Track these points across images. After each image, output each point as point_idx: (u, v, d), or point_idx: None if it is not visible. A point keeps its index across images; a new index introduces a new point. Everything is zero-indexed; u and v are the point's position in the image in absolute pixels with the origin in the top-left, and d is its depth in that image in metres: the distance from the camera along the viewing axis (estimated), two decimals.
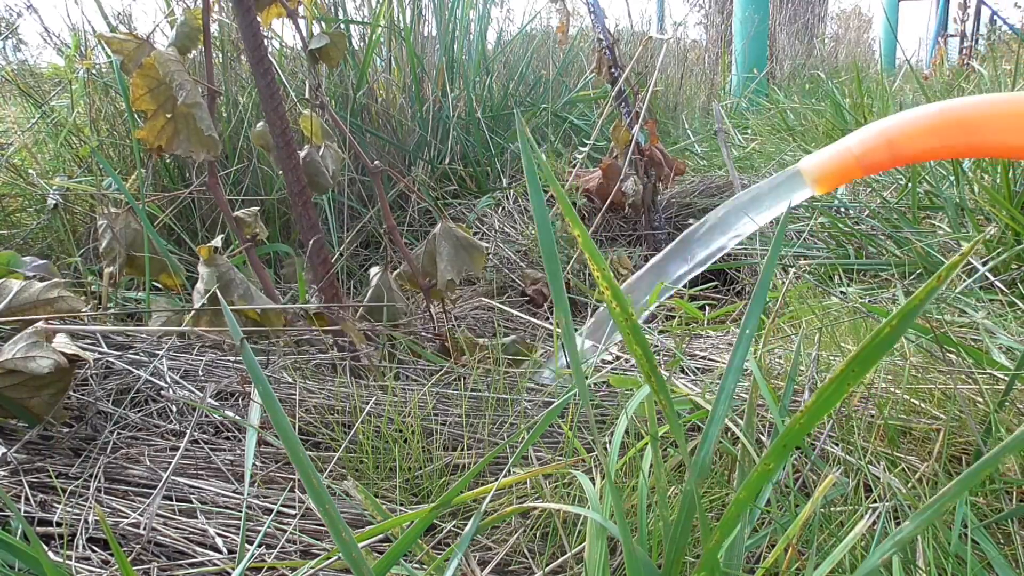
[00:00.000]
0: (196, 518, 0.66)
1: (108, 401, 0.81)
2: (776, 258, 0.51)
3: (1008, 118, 0.28)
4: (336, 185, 1.67)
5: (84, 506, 0.66)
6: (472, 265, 1.03)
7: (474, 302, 1.41)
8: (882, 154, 0.34)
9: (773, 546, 0.59)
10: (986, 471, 0.36)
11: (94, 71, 1.63)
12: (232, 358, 0.94)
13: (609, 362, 1.02)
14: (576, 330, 0.98)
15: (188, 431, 0.77)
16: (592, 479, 0.66)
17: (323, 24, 1.78)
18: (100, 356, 0.87)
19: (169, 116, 0.93)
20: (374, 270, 1.11)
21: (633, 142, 1.66)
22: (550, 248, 0.47)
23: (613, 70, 1.67)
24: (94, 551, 0.61)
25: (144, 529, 0.63)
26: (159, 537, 0.63)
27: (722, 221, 0.55)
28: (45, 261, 1.04)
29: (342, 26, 1.89)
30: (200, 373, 0.89)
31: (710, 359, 1.00)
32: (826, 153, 0.36)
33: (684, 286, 1.42)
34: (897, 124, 0.33)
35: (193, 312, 0.97)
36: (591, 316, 1.13)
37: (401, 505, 0.70)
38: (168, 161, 1.60)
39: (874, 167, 0.35)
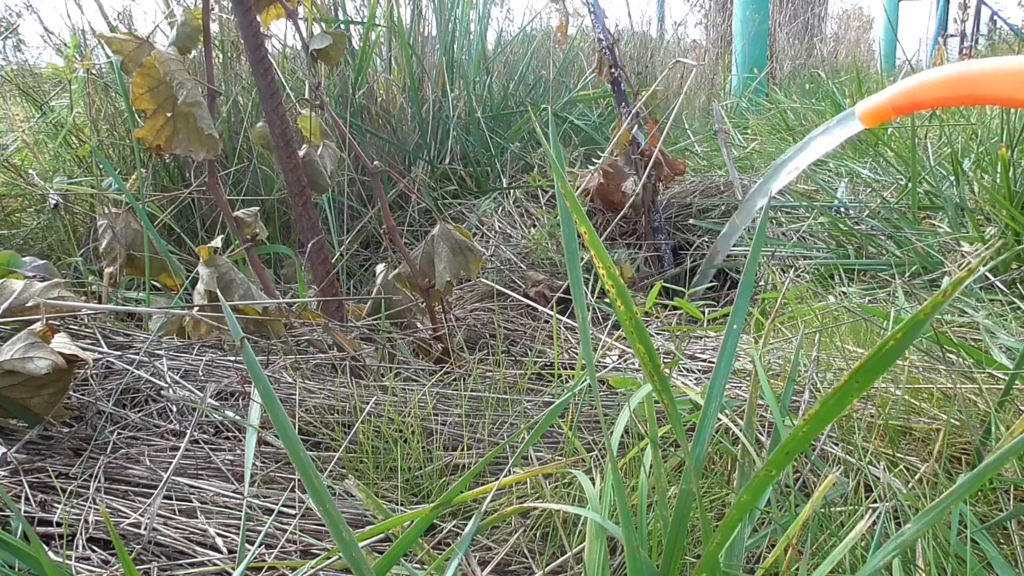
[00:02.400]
0: (196, 518, 0.66)
1: (108, 401, 0.81)
2: (758, 255, 0.51)
3: (1005, 75, 0.34)
4: (336, 185, 1.67)
5: (84, 506, 0.66)
6: (469, 269, 1.03)
7: (473, 303, 1.41)
8: (904, 100, 0.41)
9: (773, 546, 0.59)
10: (988, 475, 0.36)
11: (94, 71, 1.63)
12: (232, 358, 0.94)
13: (607, 365, 1.02)
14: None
15: (188, 431, 0.77)
16: (592, 479, 0.66)
17: (323, 24, 1.78)
18: (100, 356, 0.87)
19: (169, 115, 0.93)
20: (380, 267, 1.11)
21: (633, 142, 1.66)
22: (572, 247, 0.48)
23: (613, 70, 1.67)
24: (94, 551, 0.61)
25: (145, 529, 0.63)
26: (159, 537, 0.63)
27: (802, 147, 0.62)
28: (45, 261, 1.04)
29: (342, 26, 1.89)
30: (200, 373, 0.89)
31: (711, 361, 1.00)
32: (872, 99, 0.43)
33: (684, 287, 1.42)
34: (917, 80, 0.40)
35: (193, 314, 0.97)
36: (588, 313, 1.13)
37: (401, 505, 0.70)
38: (168, 161, 1.60)
39: (901, 110, 0.42)
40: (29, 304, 0.82)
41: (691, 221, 1.81)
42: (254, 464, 0.73)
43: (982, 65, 0.35)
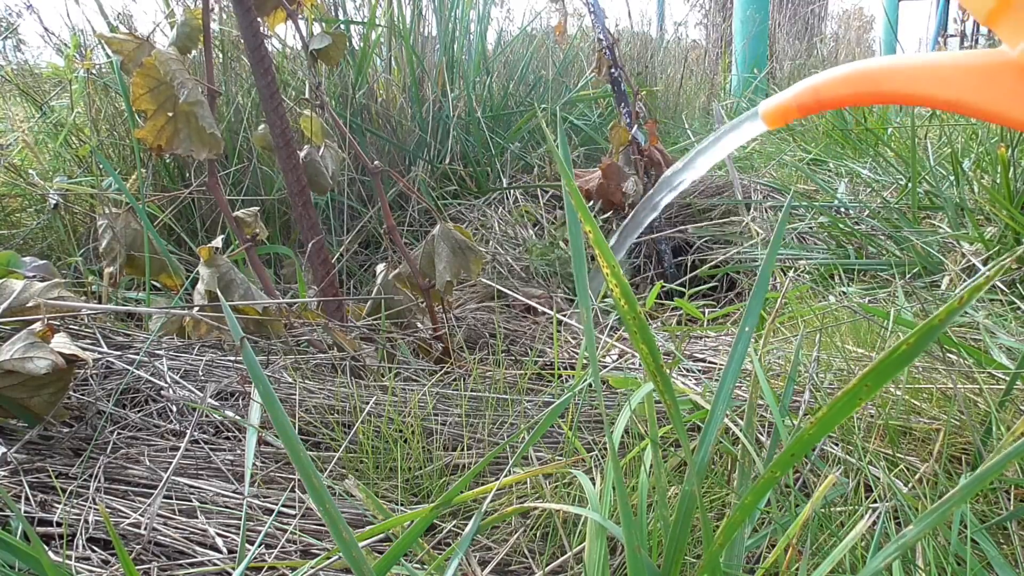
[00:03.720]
0: (196, 518, 0.66)
1: (108, 401, 0.81)
2: (775, 255, 0.51)
3: (904, 71, 0.35)
4: (336, 185, 1.67)
5: (84, 506, 0.66)
6: (469, 269, 1.03)
7: (473, 303, 1.41)
8: (809, 98, 0.41)
9: (773, 546, 0.59)
10: (989, 478, 0.36)
11: (94, 71, 1.63)
12: (232, 358, 0.94)
13: (607, 365, 1.02)
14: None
15: (188, 431, 0.77)
16: (592, 479, 0.66)
17: (323, 24, 1.78)
18: (100, 356, 0.87)
19: (170, 115, 0.93)
20: (380, 267, 1.11)
21: (632, 142, 1.66)
22: (578, 246, 0.49)
23: (613, 70, 1.67)
24: (94, 551, 0.61)
25: (145, 529, 0.63)
26: (159, 537, 0.63)
27: (691, 159, 0.60)
28: (45, 261, 1.04)
29: (342, 26, 1.89)
30: (200, 373, 0.89)
31: (710, 361, 1.00)
32: (775, 98, 0.43)
33: (684, 287, 1.42)
34: (822, 77, 0.41)
35: (193, 314, 0.97)
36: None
37: (401, 505, 0.70)
38: (168, 161, 1.60)
39: (806, 109, 0.43)
40: (29, 304, 0.82)
41: (689, 229, 1.81)
42: (254, 464, 0.73)
43: (884, 61, 0.35)
